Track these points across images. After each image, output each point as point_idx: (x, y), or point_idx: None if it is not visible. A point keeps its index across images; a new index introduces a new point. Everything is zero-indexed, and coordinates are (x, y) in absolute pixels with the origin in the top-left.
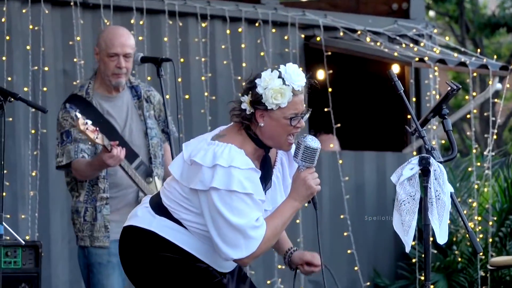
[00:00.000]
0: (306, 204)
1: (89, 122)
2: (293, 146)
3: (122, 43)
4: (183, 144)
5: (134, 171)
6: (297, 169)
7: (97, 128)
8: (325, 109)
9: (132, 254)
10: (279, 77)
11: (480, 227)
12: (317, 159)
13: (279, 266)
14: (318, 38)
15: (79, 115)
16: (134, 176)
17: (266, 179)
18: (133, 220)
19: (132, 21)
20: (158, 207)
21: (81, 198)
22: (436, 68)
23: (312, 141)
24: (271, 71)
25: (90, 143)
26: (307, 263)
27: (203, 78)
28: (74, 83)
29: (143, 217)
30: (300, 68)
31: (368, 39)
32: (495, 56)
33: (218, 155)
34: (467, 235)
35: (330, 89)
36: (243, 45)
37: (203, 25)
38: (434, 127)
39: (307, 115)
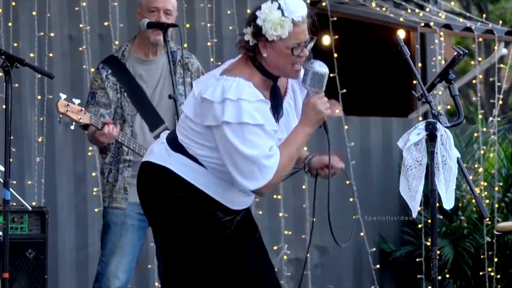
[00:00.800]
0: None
1: (76, 102)
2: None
3: None
4: (193, 82)
5: (139, 144)
6: (306, 94)
7: (82, 109)
8: (331, 75)
9: (147, 190)
10: (278, 8)
11: (486, 193)
12: (325, 84)
13: (286, 232)
14: (323, 4)
15: (62, 95)
16: (139, 149)
17: (277, 109)
18: (149, 156)
19: None
20: (174, 143)
21: (107, 160)
22: (441, 33)
23: (320, 67)
24: (271, 2)
25: (112, 107)
26: (327, 166)
27: (209, 43)
28: (80, 49)
29: (159, 153)
30: None
31: (373, 5)
32: (500, 22)
33: (227, 89)
34: (474, 201)
35: (335, 55)
36: (248, 10)
37: None
38: (440, 93)
39: (312, 44)
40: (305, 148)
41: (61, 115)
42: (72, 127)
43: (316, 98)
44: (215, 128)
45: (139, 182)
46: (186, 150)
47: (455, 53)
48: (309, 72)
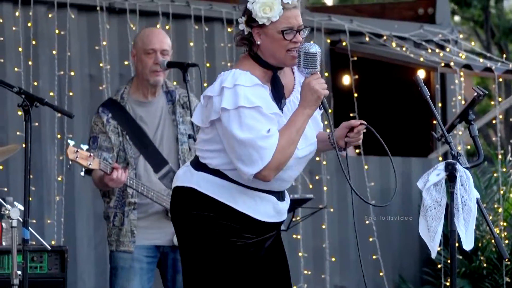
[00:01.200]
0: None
1: (84, 147)
2: None
3: (159, 39)
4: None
5: (147, 187)
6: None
7: (91, 154)
8: (351, 114)
9: (177, 213)
10: None
11: (505, 233)
12: (319, 64)
13: (305, 272)
14: (344, 43)
15: (71, 142)
16: (147, 192)
17: (279, 98)
18: (176, 181)
19: (158, 26)
20: (196, 162)
21: (111, 204)
22: (461, 73)
23: (310, 46)
24: None
25: (115, 151)
26: (349, 129)
27: None
28: (100, 88)
29: (184, 175)
30: (325, 73)
31: (393, 44)
32: None
33: (224, 80)
34: (493, 241)
35: (356, 94)
36: None
37: (229, 30)
38: (460, 133)
39: (306, 32)
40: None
41: (70, 162)
42: (82, 174)
43: (311, 78)
44: (217, 121)
45: (171, 207)
46: (207, 166)
47: (475, 93)
48: (301, 54)
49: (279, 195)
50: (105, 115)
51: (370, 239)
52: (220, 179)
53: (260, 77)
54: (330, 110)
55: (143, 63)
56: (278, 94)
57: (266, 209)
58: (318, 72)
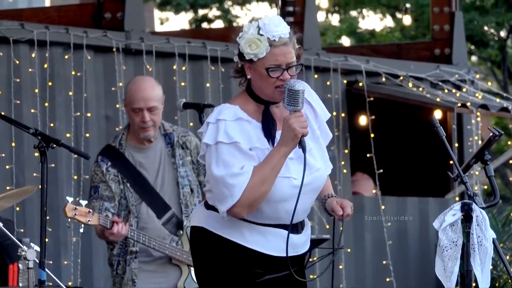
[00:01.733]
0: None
1: (83, 203)
2: None
3: (144, 97)
4: None
5: (148, 236)
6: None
7: (90, 210)
8: (368, 155)
9: (194, 253)
10: (257, 27)
11: None
12: (302, 102)
13: None
14: (360, 84)
15: (69, 199)
16: (148, 242)
17: (269, 132)
18: (192, 220)
19: (174, 67)
20: (206, 202)
21: (114, 251)
22: (478, 113)
23: (295, 83)
24: (252, 22)
25: (116, 200)
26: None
27: None
28: (117, 129)
29: (196, 214)
30: (342, 114)
31: (410, 85)
32: None
33: (210, 116)
34: (510, 281)
35: (372, 135)
36: None
37: None
38: (477, 173)
39: (297, 69)
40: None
41: (69, 219)
42: (81, 230)
43: (292, 115)
44: (203, 156)
45: (190, 246)
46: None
47: (491, 133)
48: (285, 90)
49: (294, 228)
50: (105, 164)
51: (387, 279)
52: (229, 217)
53: (252, 111)
54: (346, 151)
55: (132, 119)
56: (268, 128)
57: (277, 244)
58: (302, 110)
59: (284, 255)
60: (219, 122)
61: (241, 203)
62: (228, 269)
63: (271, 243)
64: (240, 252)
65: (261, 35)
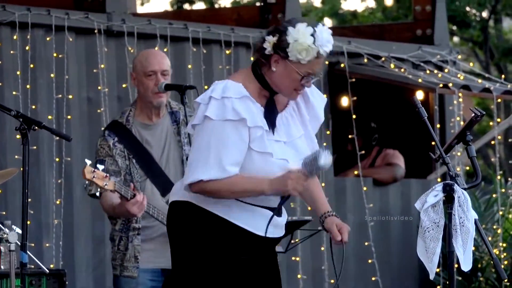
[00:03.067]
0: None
1: (100, 167)
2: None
3: (158, 60)
4: None
5: (157, 209)
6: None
7: (107, 175)
8: (350, 136)
9: (174, 228)
10: (312, 35)
11: (505, 254)
12: (315, 175)
13: None
14: (342, 65)
15: (88, 161)
16: (157, 214)
17: (271, 120)
18: (173, 196)
19: (156, 48)
20: None
21: (117, 227)
22: (460, 94)
23: (324, 162)
24: (306, 26)
25: (122, 174)
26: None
27: None
28: (98, 111)
29: (181, 190)
30: (324, 95)
31: (392, 66)
32: None
33: (214, 89)
34: (492, 262)
35: (354, 116)
36: None
37: (227, 52)
38: (459, 154)
39: (316, 79)
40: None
41: (87, 182)
42: (98, 194)
43: (297, 173)
44: (198, 126)
45: (167, 222)
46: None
47: (473, 114)
48: (312, 159)
49: (277, 211)
50: (111, 139)
51: (369, 261)
52: None
53: (253, 92)
54: (328, 132)
55: (145, 86)
56: (270, 115)
57: (262, 223)
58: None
59: (268, 235)
60: (225, 100)
61: (203, 186)
62: (214, 247)
63: (257, 222)
64: (227, 228)
65: (315, 45)
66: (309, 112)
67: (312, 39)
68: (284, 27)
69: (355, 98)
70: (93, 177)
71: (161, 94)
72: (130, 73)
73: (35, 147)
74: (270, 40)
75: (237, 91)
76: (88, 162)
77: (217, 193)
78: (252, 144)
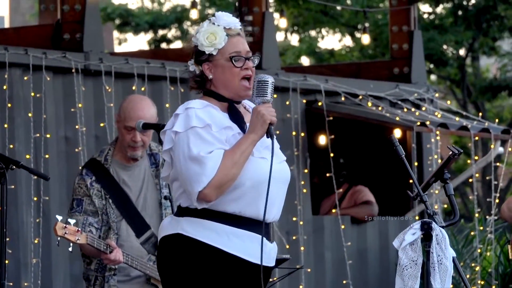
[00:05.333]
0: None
1: (72, 222)
2: None
3: (139, 116)
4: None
5: (131, 256)
6: None
7: (79, 229)
8: (327, 174)
9: (166, 262)
10: (210, 22)
11: None
12: (271, 93)
13: None
14: (319, 103)
15: (59, 217)
16: (131, 261)
17: (238, 124)
18: (162, 231)
19: (133, 87)
20: (179, 210)
21: (92, 266)
22: (437, 132)
23: (264, 75)
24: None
25: (100, 215)
26: None
27: None
28: (76, 150)
29: (169, 224)
30: (301, 133)
31: (369, 104)
32: (497, 120)
33: (177, 111)
34: None
35: (332, 154)
36: None
37: None
38: (436, 192)
39: (257, 60)
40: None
41: (59, 238)
42: (70, 249)
43: (261, 105)
44: (171, 151)
45: (158, 258)
46: (189, 208)
47: (450, 152)
48: (254, 83)
49: (267, 235)
50: (89, 178)
51: None
52: (205, 221)
53: (218, 108)
54: (306, 170)
55: (122, 137)
56: (238, 118)
57: (254, 250)
58: (270, 103)
59: (259, 262)
60: (188, 110)
61: (213, 183)
62: (205, 278)
63: (248, 248)
64: (220, 257)
65: (217, 25)
66: None
67: (211, 23)
68: (190, 44)
69: (332, 136)
70: (65, 233)
71: (136, 148)
72: (115, 115)
73: (13, 186)
74: (191, 62)
75: (198, 103)
76: (59, 218)
77: (226, 176)
78: (229, 145)
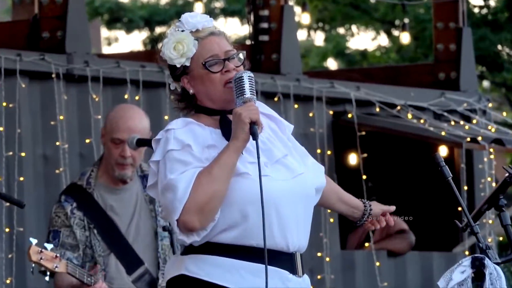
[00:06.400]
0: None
1: (49, 247)
2: None
3: (129, 127)
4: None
5: None
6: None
7: (57, 255)
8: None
9: None
10: (174, 28)
11: None
12: (251, 90)
13: None
14: (349, 115)
15: (33, 241)
16: None
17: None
18: (167, 274)
19: (126, 96)
20: (184, 248)
21: None
22: (491, 149)
23: (239, 72)
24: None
25: (81, 249)
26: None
27: None
28: (57, 171)
29: (172, 265)
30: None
31: (409, 116)
32: None
33: (157, 136)
34: None
35: (364, 176)
36: None
37: None
38: (490, 221)
39: (241, 55)
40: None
41: (33, 264)
42: (47, 278)
43: (239, 107)
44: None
45: None
46: (193, 246)
47: (506, 174)
48: (232, 84)
49: (291, 268)
50: (69, 205)
51: None
52: (211, 256)
53: (208, 123)
54: None
55: (109, 152)
56: (229, 132)
57: (252, 282)
58: (252, 100)
59: None
60: (167, 133)
61: (189, 207)
62: None
63: (243, 280)
64: None
65: (182, 30)
66: (289, 138)
67: (177, 29)
68: (161, 56)
69: (365, 155)
70: (41, 258)
71: (126, 166)
72: (101, 128)
73: None
74: (170, 80)
75: (179, 122)
76: (34, 241)
77: (203, 195)
78: None
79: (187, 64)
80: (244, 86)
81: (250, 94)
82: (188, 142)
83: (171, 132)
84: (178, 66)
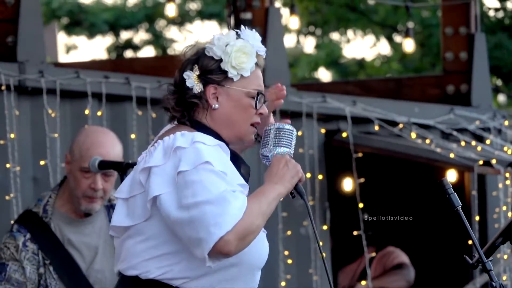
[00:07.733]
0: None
1: None
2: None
3: (101, 155)
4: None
5: None
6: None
7: None
8: (355, 233)
9: None
10: (238, 37)
11: None
12: (294, 145)
13: None
14: (344, 134)
15: None
16: None
17: (242, 173)
18: None
19: (86, 112)
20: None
21: None
22: (507, 174)
23: (282, 123)
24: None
25: (32, 284)
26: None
27: None
28: (7, 197)
29: None
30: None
31: (413, 135)
32: None
33: (175, 141)
34: None
35: (361, 205)
36: None
37: None
38: (505, 257)
39: (266, 103)
40: None
41: None
42: None
43: (287, 157)
44: (161, 199)
45: None
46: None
47: None
48: (270, 131)
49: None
50: (22, 236)
51: None
52: None
53: None
54: (325, 227)
55: (76, 182)
56: (239, 168)
57: None
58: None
59: None
60: (196, 144)
61: (238, 229)
62: None
63: None
64: None
65: (251, 45)
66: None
67: (242, 40)
68: (200, 48)
69: (362, 180)
70: None
71: (95, 199)
72: (65, 154)
73: None
74: (192, 75)
75: (207, 138)
76: None
77: (252, 224)
78: None
79: (235, 79)
80: (291, 140)
81: (293, 149)
82: (222, 169)
83: (202, 145)
84: (229, 75)
